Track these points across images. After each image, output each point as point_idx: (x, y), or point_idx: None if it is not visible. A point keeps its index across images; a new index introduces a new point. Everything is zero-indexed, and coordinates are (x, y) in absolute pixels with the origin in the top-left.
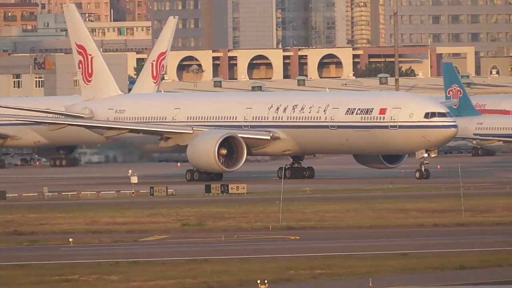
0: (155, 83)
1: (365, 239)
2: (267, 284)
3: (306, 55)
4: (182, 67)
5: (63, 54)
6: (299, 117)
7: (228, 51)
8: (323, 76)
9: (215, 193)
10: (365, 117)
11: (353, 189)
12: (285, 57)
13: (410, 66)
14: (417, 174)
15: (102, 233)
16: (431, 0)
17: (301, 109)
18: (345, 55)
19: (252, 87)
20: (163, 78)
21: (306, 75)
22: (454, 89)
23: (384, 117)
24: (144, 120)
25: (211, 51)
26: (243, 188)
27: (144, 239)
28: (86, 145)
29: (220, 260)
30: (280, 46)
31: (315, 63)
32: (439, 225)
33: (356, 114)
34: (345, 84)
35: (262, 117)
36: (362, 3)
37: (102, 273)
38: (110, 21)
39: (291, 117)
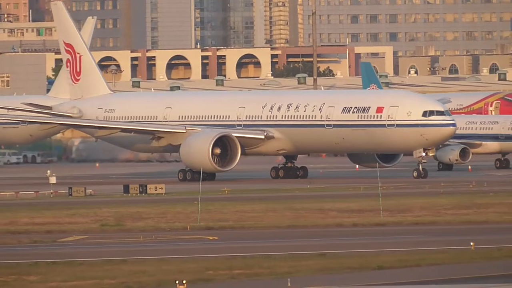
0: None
1: (283, 239)
2: (185, 285)
3: (224, 55)
4: (100, 67)
5: None
6: (294, 116)
7: (147, 51)
8: (242, 76)
9: (133, 194)
10: (362, 115)
11: (272, 189)
12: (203, 57)
13: (329, 66)
14: (415, 174)
15: (21, 234)
16: (349, 0)
17: (296, 107)
18: (264, 55)
19: (171, 87)
20: None
21: (225, 75)
22: (373, 88)
23: (381, 115)
24: (135, 120)
25: (129, 51)
26: (162, 188)
27: (63, 240)
28: (4, 146)
29: (139, 261)
30: (198, 46)
31: (233, 63)
32: (357, 225)
33: (353, 112)
34: (263, 84)
35: (256, 116)
36: (281, 3)
37: (21, 273)
38: (29, 21)
39: (285, 116)
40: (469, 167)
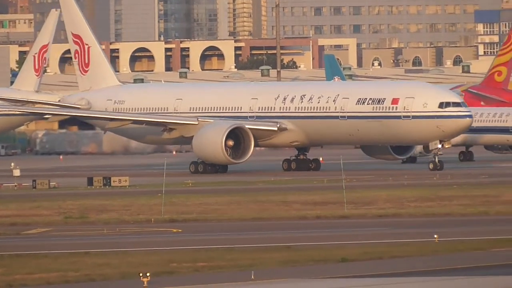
0: (37, 76)
1: (247, 231)
2: (149, 277)
3: (188, 48)
4: (64, 60)
5: None
6: (308, 107)
7: (110, 43)
8: (205, 69)
9: (97, 186)
10: (376, 107)
11: (237, 181)
12: (167, 50)
13: (292, 58)
14: (431, 166)
15: None
16: None
17: (310, 99)
18: (227, 47)
19: (134, 79)
20: (45, 71)
21: (188, 68)
22: (336, 81)
23: (396, 107)
24: (145, 111)
25: None
26: (126, 180)
27: (27, 232)
28: None
29: (103, 253)
30: (162, 39)
31: (197, 56)
32: (321, 218)
33: (368, 104)
34: (227, 77)
35: (268, 107)
36: None
37: None
38: None
39: (299, 107)
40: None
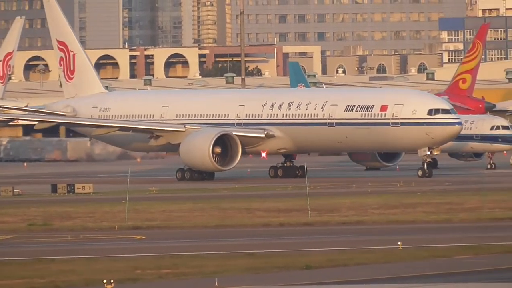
0: (1, 83)
1: (211, 238)
2: (113, 284)
3: (152, 55)
4: (29, 67)
5: None
6: (295, 114)
7: None
8: (170, 76)
9: (61, 193)
10: (365, 114)
11: (200, 188)
12: (131, 57)
13: (257, 66)
14: (420, 173)
15: None
16: (277, 0)
17: (298, 106)
18: (192, 55)
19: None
20: (9, 78)
21: (153, 75)
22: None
23: (385, 114)
24: (131, 118)
25: None
26: (90, 187)
27: None
28: None
29: (67, 260)
30: (126, 46)
31: (161, 63)
32: (285, 225)
33: (356, 111)
34: (191, 84)
35: (255, 114)
36: (209, 3)
37: None
38: None
39: (286, 114)
40: (397, 167)
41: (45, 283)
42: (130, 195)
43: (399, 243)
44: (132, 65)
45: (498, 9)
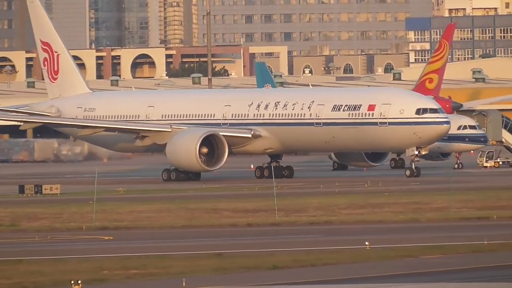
0: None
1: (178, 239)
2: (80, 284)
3: (119, 55)
4: None
5: None
6: (282, 114)
7: None
8: (137, 76)
9: (28, 194)
10: (353, 113)
11: (167, 189)
12: (98, 57)
13: (224, 66)
14: (407, 172)
15: None
16: (244, 0)
17: (284, 106)
18: (158, 55)
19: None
20: None
21: (119, 75)
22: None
23: (373, 113)
24: (116, 119)
25: (24, 51)
26: (57, 188)
27: None
28: None
29: (34, 261)
30: (93, 47)
31: (128, 63)
32: (252, 225)
33: (343, 110)
34: (158, 84)
35: (242, 114)
36: (175, 3)
37: None
38: None
39: (273, 114)
40: (364, 168)
41: (13, 284)
42: (98, 195)
43: (366, 243)
44: (99, 66)
45: (464, 9)
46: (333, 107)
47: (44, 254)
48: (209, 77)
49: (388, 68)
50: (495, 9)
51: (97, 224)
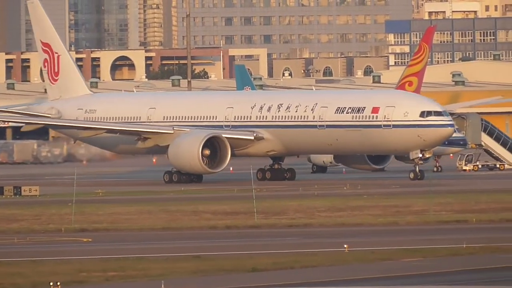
0: None
1: (158, 241)
2: (59, 286)
3: (98, 57)
4: None
5: None
6: (285, 116)
7: (21, 53)
8: (116, 79)
9: (7, 195)
10: (356, 116)
11: (147, 191)
12: (77, 59)
13: (204, 68)
14: (411, 175)
15: None
16: (223, 2)
17: (287, 108)
18: (138, 58)
19: (45, 89)
20: None
21: (99, 78)
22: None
23: (377, 116)
24: (117, 120)
25: (4, 53)
26: (36, 190)
27: None
28: None
29: (13, 262)
30: (72, 49)
31: (107, 65)
32: (231, 227)
33: (347, 113)
34: (138, 86)
35: (244, 116)
36: (155, 6)
37: None
38: None
39: (276, 116)
40: (343, 170)
41: None
42: (77, 197)
43: (345, 245)
44: (78, 68)
45: (444, 12)
46: (336, 109)
47: (23, 255)
48: (189, 80)
49: (367, 71)
50: (475, 12)
51: (76, 226)
